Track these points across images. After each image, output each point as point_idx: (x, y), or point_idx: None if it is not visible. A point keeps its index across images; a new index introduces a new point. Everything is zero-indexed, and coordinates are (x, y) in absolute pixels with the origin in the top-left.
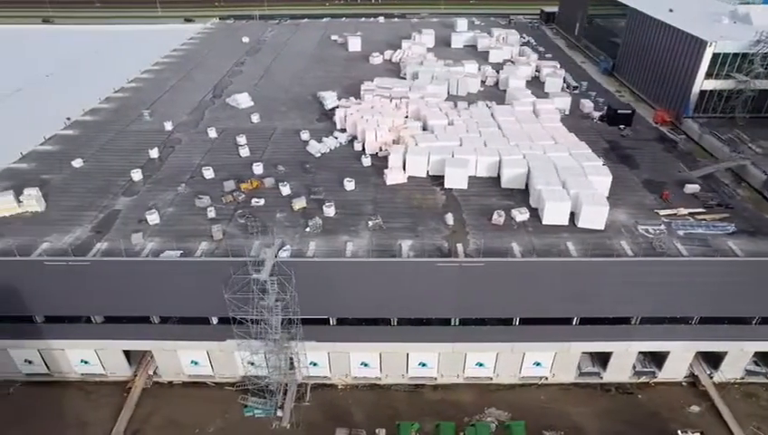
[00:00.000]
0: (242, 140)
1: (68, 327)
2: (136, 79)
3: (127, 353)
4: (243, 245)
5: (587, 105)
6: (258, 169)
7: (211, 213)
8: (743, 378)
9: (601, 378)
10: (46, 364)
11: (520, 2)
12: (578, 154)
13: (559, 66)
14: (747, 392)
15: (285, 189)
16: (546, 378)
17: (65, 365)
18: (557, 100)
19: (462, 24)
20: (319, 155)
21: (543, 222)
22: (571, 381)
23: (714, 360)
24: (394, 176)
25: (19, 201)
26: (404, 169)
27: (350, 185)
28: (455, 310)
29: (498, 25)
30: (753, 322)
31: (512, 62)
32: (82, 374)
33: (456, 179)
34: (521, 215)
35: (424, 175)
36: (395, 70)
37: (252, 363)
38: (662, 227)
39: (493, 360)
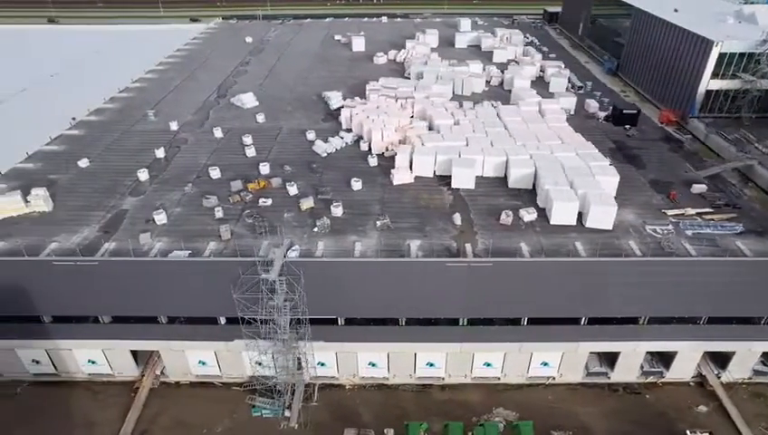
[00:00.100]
0: (248, 139)
1: (76, 327)
2: (140, 79)
3: (134, 353)
4: (251, 245)
5: (592, 105)
6: (265, 168)
7: (218, 213)
8: (750, 378)
9: (609, 378)
10: (54, 364)
11: (523, 2)
12: (585, 154)
13: (563, 66)
14: (755, 392)
15: (292, 189)
16: (553, 378)
17: (72, 365)
18: (562, 100)
19: (465, 24)
20: (325, 155)
21: (551, 222)
22: (579, 381)
23: (721, 360)
24: (401, 176)
25: (26, 201)
26: (411, 168)
27: (357, 185)
28: (463, 310)
29: (501, 25)
30: (762, 321)
31: (516, 62)
32: (90, 374)
33: (464, 179)
34: (529, 215)
35: (431, 175)
36: (399, 70)
37: (259, 363)
38: (670, 227)
39: (500, 360)
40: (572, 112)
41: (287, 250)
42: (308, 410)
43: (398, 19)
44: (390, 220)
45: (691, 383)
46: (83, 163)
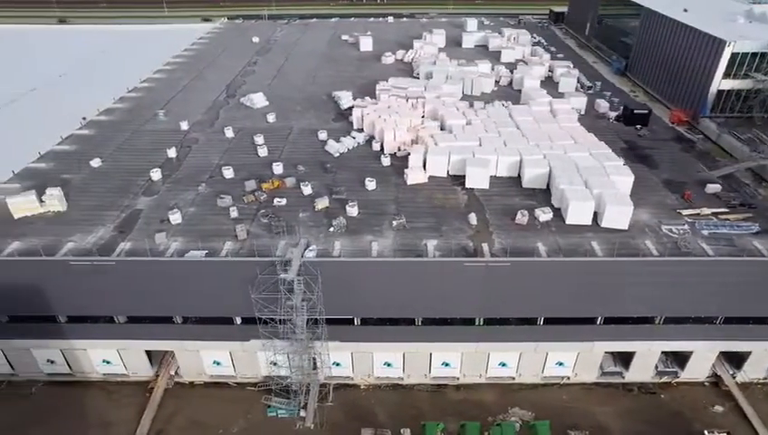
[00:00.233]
0: (259, 139)
1: (91, 327)
2: (148, 79)
3: (148, 353)
4: (267, 245)
5: (602, 105)
6: (278, 168)
7: (233, 213)
8: (766, 378)
9: (623, 378)
10: (68, 364)
11: (526, 2)
12: (598, 154)
13: (572, 66)
14: None
15: (307, 189)
16: (568, 378)
17: (87, 365)
18: (573, 100)
19: (472, 23)
20: (338, 155)
21: (567, 222)
22: (593, 381)
23: (736, 360)
24: (415, 175)
25: (41, 201)
26: (424, 168)
27: (371, 185)
28: (479, 310)
29: (508, 25)
30: None
31: (524, 62)
32: (104, 374)
33: (478, 179)
34: (544, 214)
35: (444, 175)
36: (407, 70)
37: (274, 363)
38: (686, 226)
39: (516, 359)
40: (582, 112)
41: (304, 250)
42: (323, 410)
43: (404, 19)
44: (406, 220)
45: (706, 383)
46: (96, 163)
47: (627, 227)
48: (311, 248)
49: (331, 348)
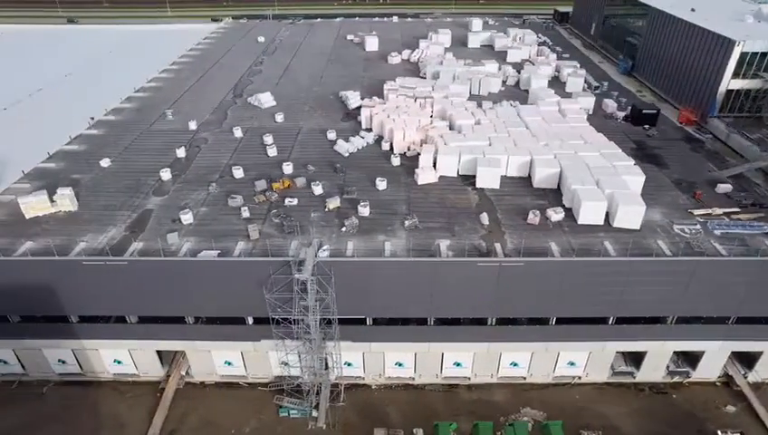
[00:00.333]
0: (268, 139)
1: (102, 327)
2: (155, 78)
3: (159, 353)
4: (279, 245)
5: (610, 105)
6: (288, 168)
7: (245, 213)
8: None
9: (634, 377)
10: (79, 364)
11: (530, 2)
12: (608, 154)
13: (579, 66)
14: None
15: (317, 189)
16: (579, 377)
17: (98, 365)
18: (581, 100)
19: (477, 23)
20: (347, 155)
21: (579, 222)
22: (604, 381)
23: (747, 360)
24: (425, 175)
25: (52, 201)
26: (435, 168)
27: (381, 184)
28: (492, 310)
29: (513, 25)
30: None
31: (530, 62)
32: (115, 374)
33: (489, 179)
34: (556, 214)
35: (454, 175)
36: (413, 70)
37: (286, 364)
38: (698, 226)
39: (527, 359)
40: (591, 112)
41: (318, 250)
42: (335, 410)
43: (409, 19)
44: (418, 220)
45: (717, 383)
46: (105, 163)
47: (639, 227)
48: (324, 248)
49: (342, 348)
